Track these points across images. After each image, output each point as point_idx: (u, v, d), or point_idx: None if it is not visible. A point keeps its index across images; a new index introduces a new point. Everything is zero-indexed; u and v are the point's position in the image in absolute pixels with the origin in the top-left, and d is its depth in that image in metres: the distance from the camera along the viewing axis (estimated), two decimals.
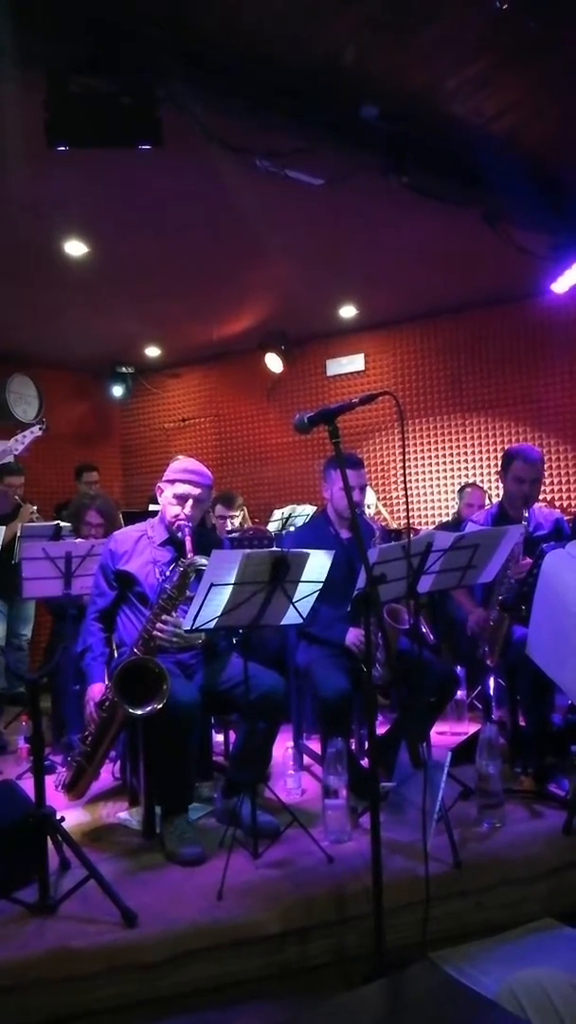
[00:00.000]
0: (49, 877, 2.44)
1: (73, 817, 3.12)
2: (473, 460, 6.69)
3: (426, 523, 6.68)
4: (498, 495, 6.06)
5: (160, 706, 2.64)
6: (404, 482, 7.05)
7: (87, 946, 2.22)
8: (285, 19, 3.03)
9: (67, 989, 2.17)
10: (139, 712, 2.67)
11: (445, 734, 4.16)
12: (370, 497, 5.92)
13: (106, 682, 2.98)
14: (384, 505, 6.80)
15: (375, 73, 3.39)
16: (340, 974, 2.38)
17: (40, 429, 4.43)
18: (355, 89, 3.50)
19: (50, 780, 2.95)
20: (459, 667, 4.15)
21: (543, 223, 4.64)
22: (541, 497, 6.04)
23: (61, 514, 5.15)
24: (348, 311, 6.63)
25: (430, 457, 6.86)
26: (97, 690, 2.99)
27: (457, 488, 6.01)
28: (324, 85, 3.44)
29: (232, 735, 3.71)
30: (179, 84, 3.12)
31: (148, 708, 2.65)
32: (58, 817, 2.51)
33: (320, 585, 2.78)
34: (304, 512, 5.61)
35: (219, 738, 3.92)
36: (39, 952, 2.20)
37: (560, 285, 5.20)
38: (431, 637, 4.48)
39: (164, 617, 2.86)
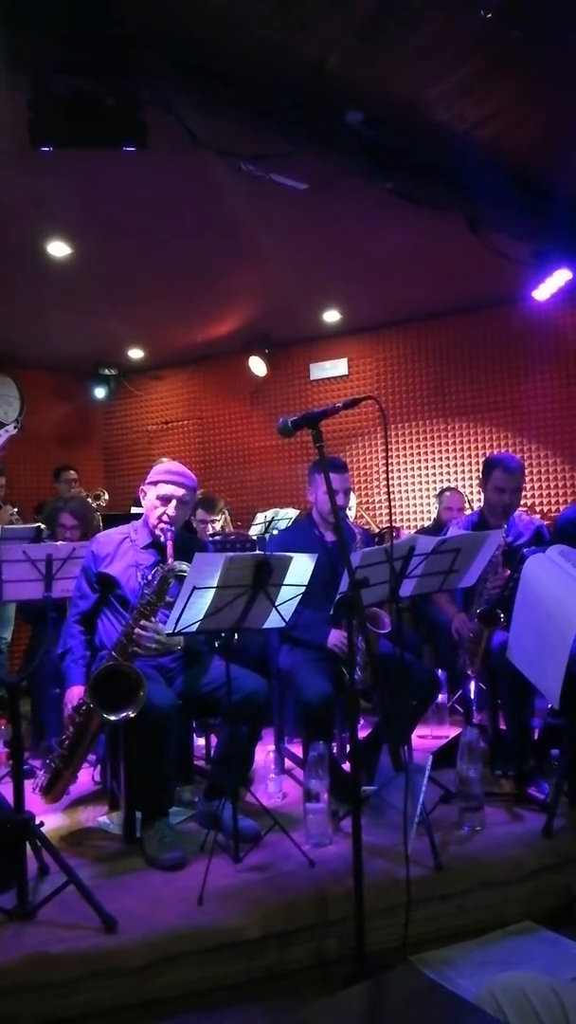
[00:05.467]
0: (27, 882, 2.42)
1: (52, 821, 3.10)
2: (455, 465, 6.73)
3: (408, 527, 6.70)
4: (478, 500, 6.11)
5: (134, 714, 2.63)
6: (387, 486, 7.07)
7: (66, 952, 2.20)
8: (271, 24, 3.04)
9: (46, 995, 2.16)
10: (113, 718, 2.65)
11: (426, 738, 4.18)
12: (350, 501, 5.94)
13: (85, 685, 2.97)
14: (366, 509, 6.83)
15: (360, 79, 3.40)
16: (321, 978, 2.38)
17: (15, 428, 4.39)
18: (340, 94, 3.51)
19: (29, 784, 2.92)
20: (440, 671, 4.16)
21: (525, 230, 4.68)
22: (522, 502, 6.09)
23: (39, 515, 5.11)
24: (332, 315, 6.65)
25: (412, 461, 6.89)
26: (76, 693, 2.97)
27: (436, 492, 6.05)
28: (309, 90, 3.45)
29: (214, 739, 3.70)
30: (165, 86, 3.12)
31: (122, 715, 2.64)
32: (37, 822, 2.49)
33: (303, 588, 2.78)
34: (287, 515, 5.61)
35: (200, 742, 3.91)
36: (17, 958, 2.18)
37: (541, 292, 5.24)
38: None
39: (143, 622, 2.84)
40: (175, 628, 2.61)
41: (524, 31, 3.06)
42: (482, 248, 4.67)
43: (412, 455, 6.89)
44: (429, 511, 6.59)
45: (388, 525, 5.76)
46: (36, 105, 2.98)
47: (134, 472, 7.80)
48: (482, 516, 3.75)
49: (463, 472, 6.67)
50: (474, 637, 3.47)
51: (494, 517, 3.63)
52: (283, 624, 2.83)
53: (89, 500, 5.85)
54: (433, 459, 6.82)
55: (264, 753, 3.61)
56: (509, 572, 3.32)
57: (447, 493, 5.63)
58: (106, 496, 6.63)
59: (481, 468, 3.78)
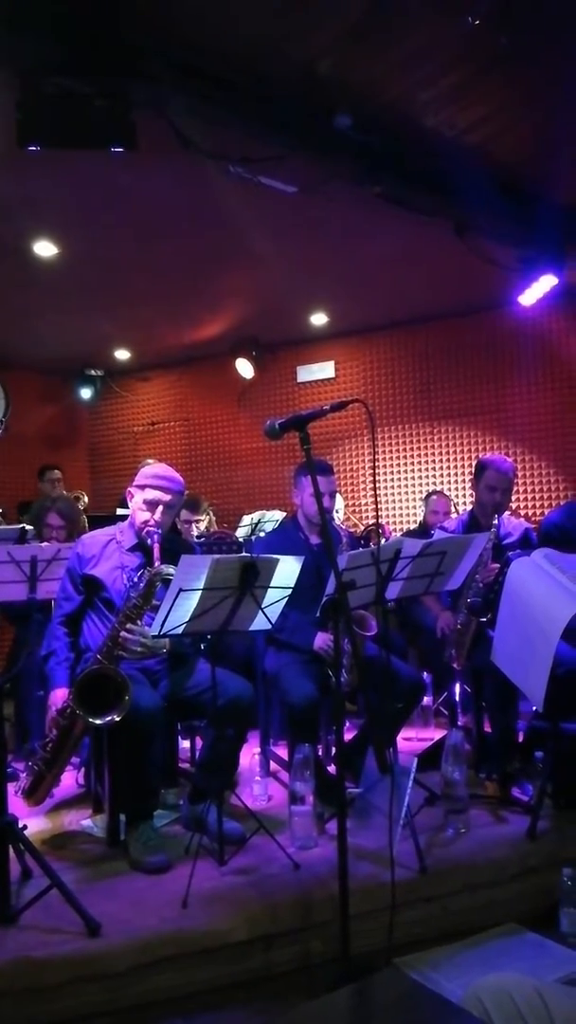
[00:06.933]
0: (10, 886, 2.40)
1: (36, 825, 3.08)
2: (441, 468, 6.76)
3: (394, 530, 6.72)
4: (464, 503, 6.14)
5: (119, 718, 2.62)
6: (374, 489, 7.08)
7: (50, 956, 2.19)
8: (263, 27, 3.04)
9: (29, 1000, 2.14)
10: (98, 722, 2.64)
11: (411, 740, 4.19)
12: (337, 503, 5.96)
13: (69, 688, 2.95)
14: (353, 511, 6.84)
15: (350, 83, 3.41)
16: (306, 981, 2.38)
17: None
18: (330, 98, 3.52)
19: (12, 787, 2.90)
20: (426, 673, 4.18)
21: (512, 236, 4.71)
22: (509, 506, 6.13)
23: (23, 516, 5.07)
24: (319, 318, 6.66)
25: (399, 464, 6.91)
26: (60, 695, 2.95)
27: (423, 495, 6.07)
28: (300, 93, 3.46)
29: (199, 741, 3.69)
30: (155, 88, 3.11)
31: (107, 719, 2.63)
32: (20, 825, 2.47)
33: (289, 591, 2.78)
34: (273, 518, 5.61)
35: (185, 744, 3.90)
36: (0, 963, 2.16)
37: (527, 298, 5.27)
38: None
39: (129, 625, 2.82)
40: (161, 630, 2.60)
41: (512, 38, 3.09)
42: (469, 253, 4.70)
43: (399, 458, 6.91)
44: (415, 514, 6.61)
45: (374, 523, 5.77)
46: (24, 105, 2.97)
47: (120, 473, 7.77)
48: (473, 516, 3.82)
49: (449, 475, 6.70)
50: (461, 629, 3.51)
51: (485, 517, 3.68)
52: (269, 627, 2.83)
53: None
54: (420, 462, 6.84)
55: (249, 756, 3.61)
56: (499, 566, 3.36)
57: (433, 496, 5.66)
58: (86, 499, 6.60)
59: (474, 469, 3.86)
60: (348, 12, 2.96)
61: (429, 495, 5.74)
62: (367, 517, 6.77)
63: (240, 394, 7.55)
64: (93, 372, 7.80)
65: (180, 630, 2.64)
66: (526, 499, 6.34)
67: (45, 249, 4.84)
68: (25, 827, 2.51)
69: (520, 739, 3.54)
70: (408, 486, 6.87)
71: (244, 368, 7.15)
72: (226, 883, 2.57)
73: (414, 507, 6.70)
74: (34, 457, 7.14)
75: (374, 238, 4.83)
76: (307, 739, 3.00)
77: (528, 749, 3.52)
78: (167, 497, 3.04)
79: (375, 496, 7.09)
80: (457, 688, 4.06)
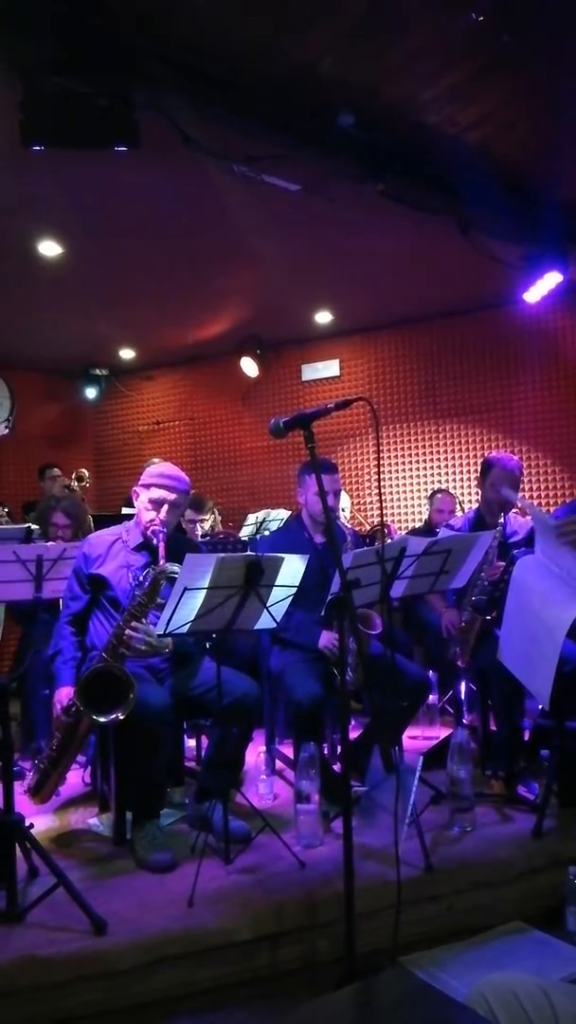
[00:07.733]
0: (17, 884, 2.41)
1: (42, 823, 3.09)
2: (446, 466, 6.75)
3: (399, 528, 6.71)
4: (470, 502, 6.13)
5: (123, 716, 2.62)
6: (379, 488, 7.08)
7: (55, 954, 2.19)
8: (265, 26, 3.04)
9: (35, 998, 2.15)
10: (102, 720, 2.64)
11: (417, 738, 4.19)
12: (344, 501, 5.96)
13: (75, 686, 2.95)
14: (359, 510, 6.84)
15: (352, 82, 3.41)
16: (311, 980, 2.38)
17: (5, 428, 4.37)
18: (332, 97, 3.51)
19: (19, 786, 2.91)
20: (431, 671, 4.17)
21: (515, 233, 4.70)
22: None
23: (28, 515, 5.08)
24: (324, 317, 6.66)
25: (403, 463, 6.90)
26: (65, 694, 2.96)
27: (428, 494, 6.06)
28: (302, 92, 3.46)
29: (204, 740, 3.70)
30: (157, 87, 3.11)
31: (112, 716, 2.63)
32: (27, 824, 2.48)
33: (294, 589, 2.78)
34: (278, 516, 5.61)
35: (191, 743, 3.90)
36: (6, 961, 2.16)
37: (532, 295, 5.26)
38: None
39: (134, 624, 2.83)
40: (166, 629, 2.60)
41: (514, 36, 3.08)
42: (473, 250, 4.69)
43: (404, 456, 6.90)
44: (420, 512, 6.61)
45: (380, 523, 5.77)
46: (27, 105, 2.98)
47: (125, 472, 7.79)
48: (480, 515, 3.81)
49: (454, 473, 6.69)
50: (466, 627, 3.50)
51: (491, 515, 3.68)
52: (274, 625, 2.83)
53: (75, 488, 5.84)
54: (425, 460, 6.84)
55: (255, 754, 3.61)
56: (504, 564, 3.36)
57: (438, 495, 5.65)
58: (86, 473, 6.54)
59: (480, 467, 3.84)
60: (348, 11, 2.95)
61: (434, 493, 5.73)
62: (372, 516, 6.77)
63: (245, 393, 7.55)
64: (98, 371, 7.82)
65: (185, 629, 2.64)
66: (532, 497, 6.33)
67: (49, 249, 4.85)
68: (32, 825, 2.51)
69: (526, 737, 3.53)
70: (413, 484, 6.86)
71: (249, 367, 7.15)
72: (232, 882, 2.58)
73: (419, 505, 6.69)
74: (39, 457, 7.16)
75: (378, 236, 4.83)
76: (312, 738, 3.00)
77: (534, 747, 3.52)
78: (172, 496, 3.05)
79: (380, 495, 7.09)
80: (463, 686, 4.05)
